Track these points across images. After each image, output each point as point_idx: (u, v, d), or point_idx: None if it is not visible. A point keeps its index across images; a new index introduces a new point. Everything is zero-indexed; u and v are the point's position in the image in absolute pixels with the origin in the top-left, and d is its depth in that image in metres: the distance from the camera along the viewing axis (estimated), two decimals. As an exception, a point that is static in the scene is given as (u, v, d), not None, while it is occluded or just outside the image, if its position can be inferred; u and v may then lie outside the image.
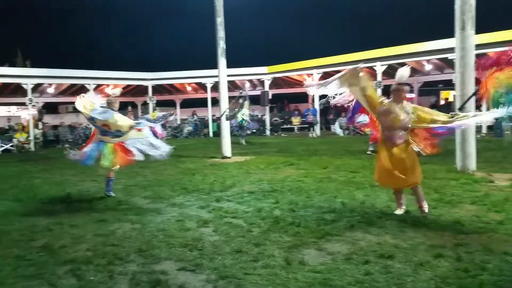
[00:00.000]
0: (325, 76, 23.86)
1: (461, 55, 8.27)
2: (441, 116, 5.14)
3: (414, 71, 23.12)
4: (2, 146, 19.07)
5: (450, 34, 8.78)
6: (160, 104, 26.71)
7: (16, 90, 22.50)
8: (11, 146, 19.48)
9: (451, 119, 5.05)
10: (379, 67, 20.18)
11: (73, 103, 7.51)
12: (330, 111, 26.66)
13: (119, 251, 4.36)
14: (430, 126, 5.15)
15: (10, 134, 20.73)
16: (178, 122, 27.29)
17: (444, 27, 11.59)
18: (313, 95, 23.12)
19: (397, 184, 5.33)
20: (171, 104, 29.92)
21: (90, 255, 4.30)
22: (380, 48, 20.46)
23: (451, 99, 19.04)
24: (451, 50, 10.49)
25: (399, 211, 5.43)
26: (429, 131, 5.23)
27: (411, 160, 5.17)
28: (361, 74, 5.41)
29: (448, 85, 21.53)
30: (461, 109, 8.19)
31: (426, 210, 5.25)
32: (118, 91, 7.86)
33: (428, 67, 21.83)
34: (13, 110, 31.57)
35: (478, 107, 10.74)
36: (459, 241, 4.29)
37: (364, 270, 3.63)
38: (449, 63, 18.62)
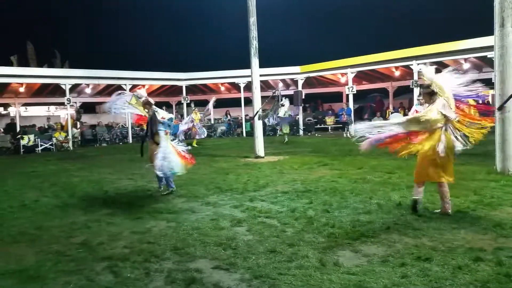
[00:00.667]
0: (359, 75, 23.60)
1: (500, 53, 8.02)
2: None
3: (452, 70, 22.49)
4: (42, 145, 19.70)
5: (488, 32, 8.52)
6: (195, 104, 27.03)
7: (54, 90, 23.24)
8: (50, 145, 20.10)
9: None
10: (415, 66, 19.74)
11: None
12: (365, 111, 26.35)
13: (155, 249, 4.44)
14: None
15: (49, 133, 21.39)
16: (212, 121, 27.54)
17: (482, 25, 11.26)
18: (348, 95, 22.94)
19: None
20: (205, 104, 30.22)
21: (127, 252, 4.39)
22: (416, 46, 20.03)
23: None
24: (490, 48, 10.17)
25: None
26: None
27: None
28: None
29: (487, 84, 20.86)
30: (501, 108, 7.94)
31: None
32: (144, 92, 8.06)
33: (466, 65, 21.21)
34: (52, 110, 32.69)
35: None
36: (499, 244, 4.15)
37: (400, 272, 3.56)
38: (488, 62, 18.05)
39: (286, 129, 18.93)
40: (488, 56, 16.17)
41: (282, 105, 18.11)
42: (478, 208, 5.56)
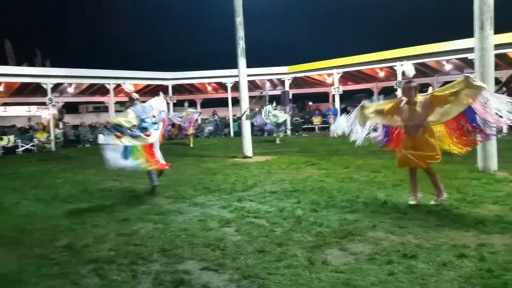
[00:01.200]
0: (345, 75, 23.79)
1: (481, 55, 8.16)
2: (461, 84, 5.19)
3: (434, 71, 22.84)
4: (23, 146, 19.38)
5: (469, 34, 8.67)
6: (181, 104, 26.92)
7: (35, 90, 22.87)
8: (32, 146, 19.79)
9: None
10: (399, 67, 19.94)
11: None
12: (351, 111, 26.51)
13: (142, 251, 4.39)
14: (457, 113, 5.26)
15: (30, 133, 21.07)
16: (199, 122, 27.46)
17: (463, 27, 11.43)
18: (334, 95, 23.09)
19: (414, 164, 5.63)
20: (191, 104, 30.12)
21: (113, 254, 4.34)
22: (399, 48, 20.27)
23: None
24: (470, 50, 10.36)
25: (412, 201, 5.76)
26: (459, 122, 5.36)
27: (427, 145, 5.51)
28: (367, 108, 6.08)
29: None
30: None
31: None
32: (131, 86, 7.98)
33: (448, 67, 21.54)
34: (33, 110, 32.19)
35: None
36: (482, 241, 4.22)
37: (387, 270, 3.59)
38: (469, 63, 18.34)
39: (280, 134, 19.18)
40: (469, 58, 16.41)
41: (274, 109, 18.47)
42: (461, 206, 5.64)
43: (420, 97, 5.62)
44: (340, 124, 6.31)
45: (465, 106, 5.18)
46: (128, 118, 6.80)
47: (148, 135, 6.83)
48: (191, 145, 17.86)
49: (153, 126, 6.92)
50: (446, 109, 5.36)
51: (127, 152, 6.64)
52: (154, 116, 7.00)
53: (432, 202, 5.71)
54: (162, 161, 7.19)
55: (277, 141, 18.33)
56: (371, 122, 6.21)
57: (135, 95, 7.52)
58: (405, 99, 5.73)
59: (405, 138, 5.76)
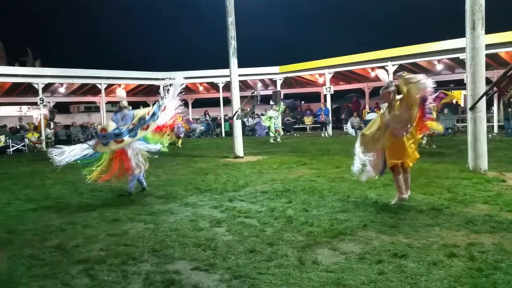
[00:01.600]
0: (337, 75, 23.85)
1: (472, 55, 8.20)
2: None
3: (425, 71, 22.97)
4: (13, 146, 19.18)
5: (461, 34, 8.72)
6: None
7: (27, 90, 22.67)
8: (23, 146, 19.60)
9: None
10: (391, 67, 20.07)
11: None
12: (342, 111, 26.65)
13: (133, 251, 4.38)
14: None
15: (21, 134, 20.87)
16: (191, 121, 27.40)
17: (455, 27, 11.51)
18: (325, 95, 23.15)
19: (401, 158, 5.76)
20: (184, 105, 30.04)
21: (103, 255, 4.32)
22: (391, 48, 20.37)
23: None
24: (462, 50, 10.44)
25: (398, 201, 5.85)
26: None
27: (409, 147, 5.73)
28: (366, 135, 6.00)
29: (459, 84, 21.35)
30: (472, 108, 8.12)
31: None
32: (123, 93, 7.87)
33: (439, 67, 21.66)
34: (24, 110, 31.94)
35: (488, 108, 10.67)
36: (472, 240, 4.26)
37: (377, 269, 3.61)
38: (460, 63, 18.48)
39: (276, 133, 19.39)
40: (461, 58, 16.52)
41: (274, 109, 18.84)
42: (451, 205, 5.69)
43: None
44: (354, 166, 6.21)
45: (420, 99, 5.56)
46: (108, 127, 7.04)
47: (118, 142, 6.78)
48: (179, 145, 17.73)
49: (128, 133, 6.85)
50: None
51: (92, 157, 6.81)
52: (133, 124, 6.97)
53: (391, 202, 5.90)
54: (138, 169, 7.08)
55: (278, 139, 18.71)
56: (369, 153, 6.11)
57: (124, 103, 7.42)
58: (386, 105, 5.92)
59: (393, 140, 5.78)
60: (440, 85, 25.88)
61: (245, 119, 17.71)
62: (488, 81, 9.40)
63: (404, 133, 5.63)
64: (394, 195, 6.00)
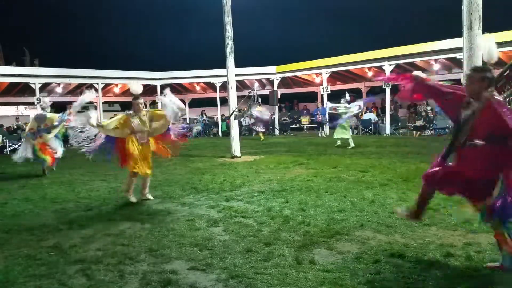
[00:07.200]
0: (334, 75, 23.90)
1: (469, 54, 8.22)
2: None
3: (422, 71, 22.96)
4: (10, 146, 19.11)
5: (458, 33, 8.74)
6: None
7: (24, 90, 22.65)
8: (20, 146, 19.49)
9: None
10: (388, 67, 20.10)
11: None
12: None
13: (129, 251, 4.37)
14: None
15: (18, 133, 20.78)
16: (188, 121, 27.38)
17: (452, 27, 11.55)
18: (322, 95, 23.17)
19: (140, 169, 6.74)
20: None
21: (100, 254, 4.31)
22: (388, 48, 20.41)
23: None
24: (459, 49, 10.45)
25: (132, 198, 6.78)
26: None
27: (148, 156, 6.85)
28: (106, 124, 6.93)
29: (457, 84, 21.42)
30: None
31: (149, 197, 6.94)
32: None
33: (436, 66, 21.72)
34: (21, 110, 31.85)
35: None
36: (468, 240, 4.28)
37: (374, 269, 3.62)
38: (457, 63, 18.51)
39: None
40: (457, 58, 16.56)
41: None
42: (447, 205, 5.68)
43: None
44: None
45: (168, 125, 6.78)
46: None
47: (40, 137, 10.15)
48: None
49: (45, 131, 10.21)
50: (159, 124, 6.80)
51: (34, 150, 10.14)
52: (46, 124, 10.18)
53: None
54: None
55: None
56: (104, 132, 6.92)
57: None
58: (132, 113, 6.74)
59: (137, 147, 6.69)
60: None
61: (241, 119, 17.62)
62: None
63: (146, 141, 6.76)
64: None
